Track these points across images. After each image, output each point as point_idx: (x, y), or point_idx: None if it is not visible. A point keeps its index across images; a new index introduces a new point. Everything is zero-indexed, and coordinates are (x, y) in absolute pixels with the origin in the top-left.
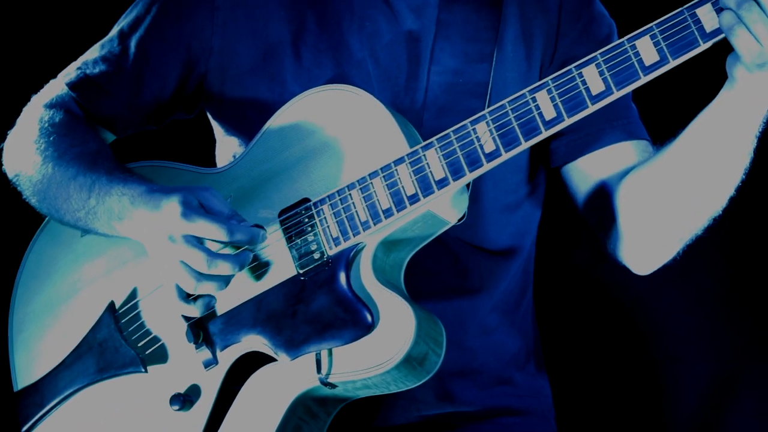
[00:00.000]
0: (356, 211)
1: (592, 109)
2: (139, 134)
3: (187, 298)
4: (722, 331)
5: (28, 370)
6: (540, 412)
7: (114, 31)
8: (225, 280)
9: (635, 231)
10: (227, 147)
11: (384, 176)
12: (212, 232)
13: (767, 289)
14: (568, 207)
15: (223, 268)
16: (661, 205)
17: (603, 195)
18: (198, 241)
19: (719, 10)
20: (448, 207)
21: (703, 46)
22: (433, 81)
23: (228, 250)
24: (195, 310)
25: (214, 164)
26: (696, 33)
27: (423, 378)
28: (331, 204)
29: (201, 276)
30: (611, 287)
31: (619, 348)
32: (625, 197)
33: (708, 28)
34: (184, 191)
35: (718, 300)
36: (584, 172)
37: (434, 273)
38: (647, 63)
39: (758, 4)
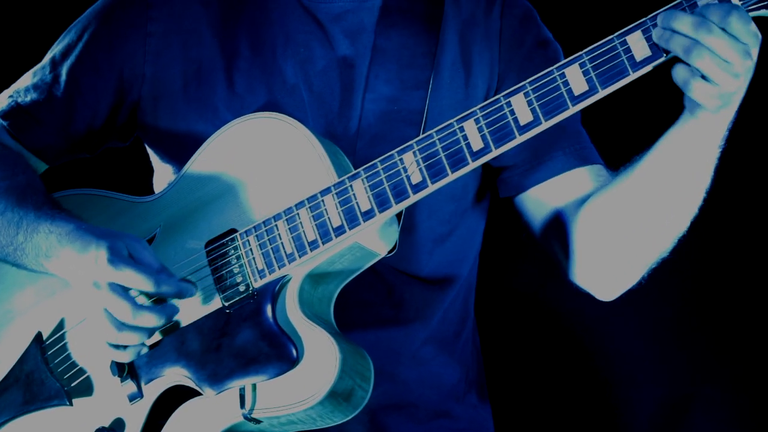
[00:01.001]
0: (282, 243)
1: (519, 140)
2: (77, 161)
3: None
4: (675, 355)
5: None
6: None
7: (46, 59)
8: (149, 331)
9: (597, 258)
10: (163, 175)
11: (310, 207)
12: (139, 282)
13: (720, 312)
14: (522, 236)
15: (149, 319)
16: (623, 230)
17: (561, 223)
18: (124, 291)
19: (649, 38)
20: (376, 239)
21: (633, 76)
22: (368, 108)
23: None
24: (125, 356)
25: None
26: (626, 62)
27: (350, 413)
28: (257, 235)
29: (122, 326)
30: (560, 312)
31: (569, 372)
32: (585, 224)
33: (638, 57)
34: (113, 238)
35: (671, 323)
36: (539, 201)
37: (368, 304)
38: (576, 92)
39: (709, 49)
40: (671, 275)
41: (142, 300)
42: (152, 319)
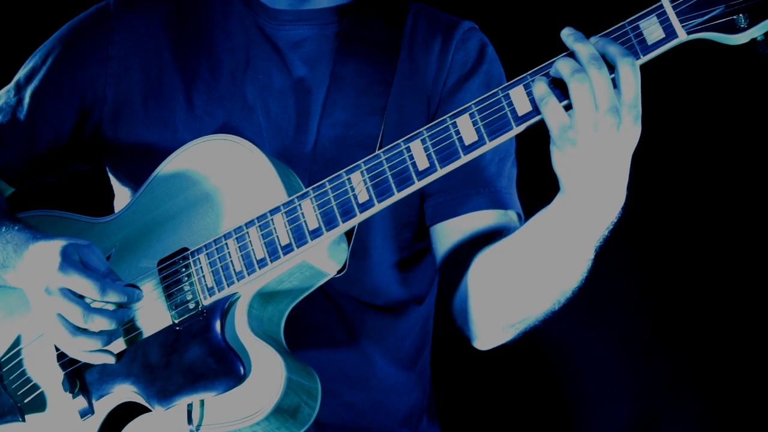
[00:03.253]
0: (231, 261)
1: (464, 159)
2: (40, 185)
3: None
4: (643, 372)
5: None
6: None
7: (12, 83)
8: (105, 336)
9: (475, 305)
10: (123, 197)
11: (260, 225)
12: (85, 288)
13: (688, 330)
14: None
15: (100, 323)
16: (495, 286)
17: (456, 261)
18: (75, 295)
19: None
20: (324, 258)
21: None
22: (324, 133)
23: (109, 306)
24: (90, 357)
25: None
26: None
27: (297, 430)
28: (207, 253)
29: (76, 330)
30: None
31: (535, 391)
32: (473, 270)
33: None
34: (65, 244)
35: (639, 340)
36: (445, 236)
37: (321, 327)
38: (520, 113)
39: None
40: (640, 293)
41: (97, 305)
42: (104, 323)
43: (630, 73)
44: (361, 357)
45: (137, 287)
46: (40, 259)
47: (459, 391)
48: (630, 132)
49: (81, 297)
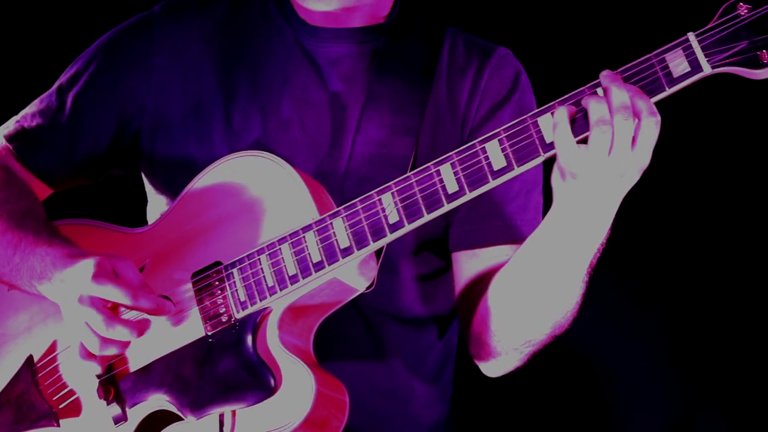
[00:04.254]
0: (264, 276)
1: (493, 184)
2: (78, 189)
3: (89, 356)
4: (676, 376)
5: None
6: None
7: (53, 87)
8: (126, 346)
9: (481, 329)
10: (156, 206)
11: (292, 243)
12: (117, 295)
13: (722, 332)
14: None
15: (121, 332)
16: (499, 309)
17: (470, 291)
18: (103, 305)
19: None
20: (354, 275)
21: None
22: (357, 150)
23: (142, 315)
24: (96, 367)
25: (145, 222)
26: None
27: None
28: (240, 268)
29: (103, 339)
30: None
31: (562, 397)
32: (483, 299)
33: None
34: (101, 256)
35: (672, 343)
36: (464, 264)
37: (348, 339)
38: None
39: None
40: (671, 291)
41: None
42: (125, 332)
43: (652, 131)
44: (387, 369)
45: (169, 299)
46: (76, 271)
47: (479, 406)
48: (630, 179)
49: (111, 308)
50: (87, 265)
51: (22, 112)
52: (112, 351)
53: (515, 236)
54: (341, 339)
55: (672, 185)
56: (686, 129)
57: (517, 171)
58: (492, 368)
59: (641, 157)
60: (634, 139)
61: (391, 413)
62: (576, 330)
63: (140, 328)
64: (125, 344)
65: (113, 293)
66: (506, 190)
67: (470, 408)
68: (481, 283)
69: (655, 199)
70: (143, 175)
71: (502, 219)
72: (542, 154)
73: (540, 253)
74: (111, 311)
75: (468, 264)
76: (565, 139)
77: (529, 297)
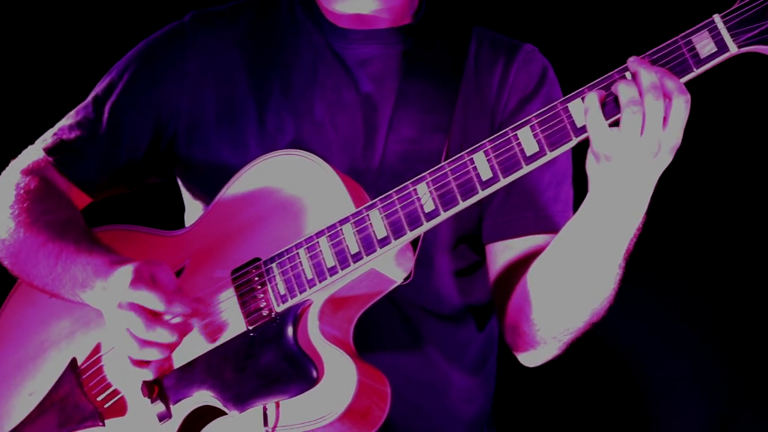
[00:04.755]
0: (303, 269)
1: (526, 169)
2: (116, 198)
3: (139, 363)
4: (714, 378)
5: None
6: None
7: (89, 98)
8: (169, 348)
9: (517, 319)
10: (194, 211)
11: (329, 235)
12: (151, 300)
13: (763, 334)
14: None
15: (161, 335)
16: (535, 298)
17: (505, 281)
18: (142, 309)
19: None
20: (392, 266)
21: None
22: (390, 148)
23: (176, 318)
24: (148, 374)
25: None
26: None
27: (368, 431)
28: (279, 262)
29: (143, 343)
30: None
31: (602, 396)
32: (519, 288)
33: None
34: (139, 263)
35: (711, 346)
36: (498, 255)
37: (386, 333)
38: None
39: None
40: (713, 287)
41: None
42: (165, 335)
43: (682, 109)
44: (426, 362)
45: (204, 302)
46: (116, 278)
47: (521, 400)
48: (664, 160)
49: (150, 312)
50: (126, 272)
51: (59, 124)
52: (153, 354)
53: (547, 226)
54: (379, 333)
55: (713, 180)
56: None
57: (550, 156)
58: (531, 358)
59: (673, 137)
60: (665, 119)
61: (431, 406)
62: (616, 328)
63: (181, 330)
64: (169, 347)
65: (148, 298)
66: (537, 181)
67: (509, 406)
68: (515, 273)
69: (696, 193)
70: (180, 182)
71: (533, 210)
72: (573, 138)
73: (577, 239)
74: (151, 315)
75: (502, 255)
76: (597, 122)
77: (567, 285)
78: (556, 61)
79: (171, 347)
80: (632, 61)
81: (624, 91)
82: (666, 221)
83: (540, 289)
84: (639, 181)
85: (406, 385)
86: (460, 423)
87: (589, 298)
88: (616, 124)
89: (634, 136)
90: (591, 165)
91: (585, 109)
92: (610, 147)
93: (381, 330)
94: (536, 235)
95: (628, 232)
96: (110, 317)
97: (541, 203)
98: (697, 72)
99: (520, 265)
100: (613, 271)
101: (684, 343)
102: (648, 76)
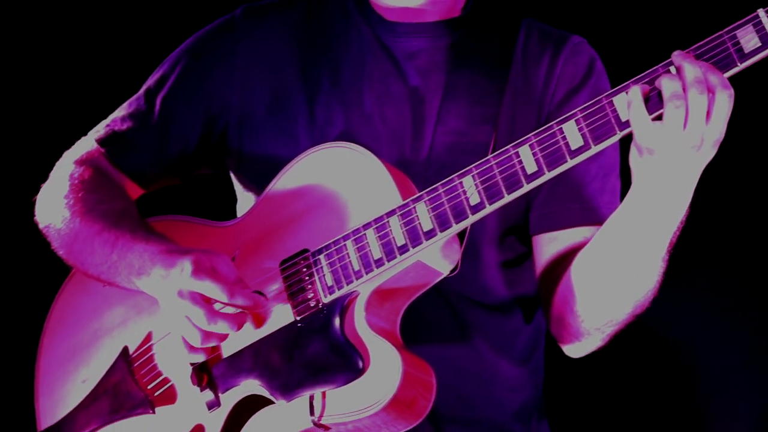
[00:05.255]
0: (350, 261)
1: (571, 163)
2: (166, 189)
3: (193, 348)
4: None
5: (50, 413)
6: None
7: (141, 90)
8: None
9: (562, 311)
10: (245, 203)
11: (376, 228)
12: (215, 292)
13: None
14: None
15: (221, 326)
16: (579, 290)
17: (551, 273)
18: (203, 300)
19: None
20: (438, 257)
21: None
22: (438, 140)
23: (236, 310)
24: (201, 357)
25: None
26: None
27: (413, 421)
28: (327, 254)
29: (204, 333)
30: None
31: (653, 388)
32: (564, 280)
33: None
34: (199, 253)
35: (763, 337)
36: (545, 247)
37: (434, 324)
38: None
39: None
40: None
41: (226, 310)
42: (224, 326)
43: (726, 104)
44: (473, 353)
45: (263, 294)
46: (175, 267)
47: (569, 390)
48: (707, 154)
49: (209, 302)
50: (186, 262)
51: (111, 116)
52: (213, 343)
53: (593, 218)
54: (426, 325)
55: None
56: None
57: (594, 150)
58: (575, 349)
59: (716, 131)
60: (708, 113)
61: (478, 396)
62: (668, 321)
63: (239, 321)
64: (225, 336)
65: (211, 289)
66: (583, 174)
67: (561, 397)
68: (561, 265)
69: (749, 186)
70: (231, 174)
71: (579, 201)
72: (618, 132)
73: (621, 232)
74: (211, 306)
75: (548, 247)
76: (640, 116)
77: (611, 277)
78: (604, 54)
79: (227, 337)
80: (677, 56)
81: (668, 85)
82: (721, 214)
83: (584, 281)
84: (682, 175)
85: (453, 376)
86: (507, 413)
87: (632, 290)
88: (659, 118)
89: (677, 130)
90: (634, 158)
91: (628, 102)
92: (653, 140)
93: (429, 322)
94: (582, 227)
95: (672, 225)
96: (168, 305)
97: (586, 195)
98: (741, 67)
99: (566, 257)
100: (656, 263)
101: (738, 338)
102: (692, 70)
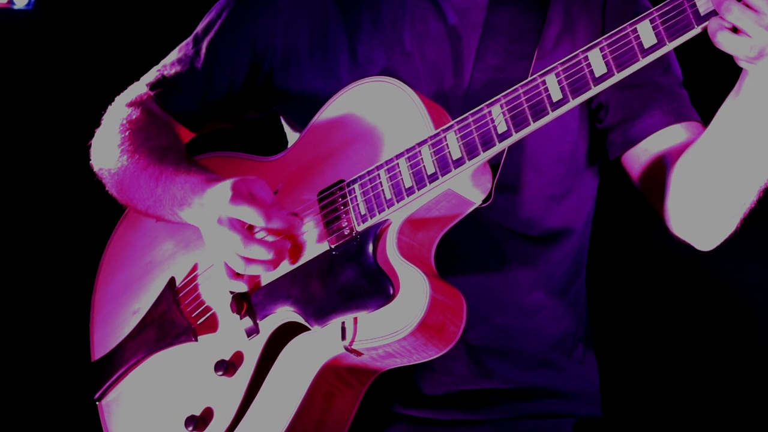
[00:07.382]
0: (382, 190)
1: (594, 90)
2: (222, 131)
3: (235, 275)
4: None
5: (103, 343)
6: (584, 396)
7: (190, 36)
8: (273, 263)
9: (688, 208)
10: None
11: (408, 157)
12: (251, 215)
13: None
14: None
15: (259, 252)
16: (708, 181)
17: (659, 177)
18: (241, 225)
19: None
20: (468, 186)
21: (697, 29)
22: (476, 77)
23: (274, 233)
24: (242, 286)
25: None
26: (691, 17)
27: (443, 347)
28: (361, 183)
29: (246, 258)
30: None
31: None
32: (677, 177)
33: (702, 11)
34: (236, 180)
35: None
36: (641, 158)
37: (473, 256)
38: (646, 45)
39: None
40: None
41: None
42: (262, 252)
43: None
44: (513, 283)
45: (298, 216)
46: (214, 195)
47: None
48: None
49: (248, 228)
50: (224, 188)
51: (162, 62)
52: (257, 270)
53: (678, 116)
54: (466, 257)
55: None
56: None
57: (618, 77)
58: (706, 241)
59: None
60: None
61: (516, 326)
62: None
63: (276, 247)
64: (271, 264)
65: (249, 213)
66: (652, 89)
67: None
68: (663, 170)
69: None
70: (280, 116)
71: (658, 107)
72: (641, 59)
73: (732, 114)
74: (248, 231)
75: (642, 157)
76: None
77: (729, 166)
78: None
79: (273, 263)
80: None
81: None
82: None
83: (700, 177)
84: None
85: (491, 307)
86: (543, 342)
87: (756, 176)
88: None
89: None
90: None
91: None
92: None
93: (469, 255)
94: (670, 127)
95: None
96: (209, 233)
97: (663, 97)
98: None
99: (664, 160)
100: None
101: None
102: None
